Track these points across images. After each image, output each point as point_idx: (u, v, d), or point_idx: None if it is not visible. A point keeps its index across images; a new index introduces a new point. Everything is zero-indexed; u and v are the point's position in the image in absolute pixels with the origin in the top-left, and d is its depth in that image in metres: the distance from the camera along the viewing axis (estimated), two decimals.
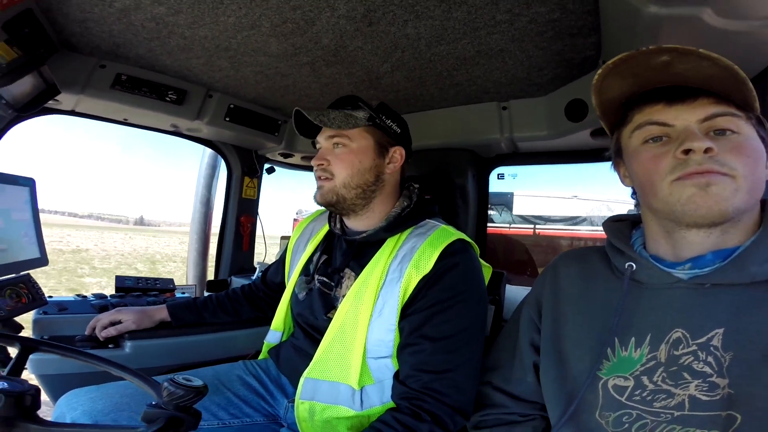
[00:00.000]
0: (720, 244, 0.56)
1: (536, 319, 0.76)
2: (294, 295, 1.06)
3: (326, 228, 1.09)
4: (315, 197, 0.99)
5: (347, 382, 0.86)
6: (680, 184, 0.55)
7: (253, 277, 1.94)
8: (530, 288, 0.84)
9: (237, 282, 1.97)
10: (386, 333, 0.86)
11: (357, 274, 0.93)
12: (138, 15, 1.05)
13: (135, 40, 1.20)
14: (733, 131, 0.55)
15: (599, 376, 0.61)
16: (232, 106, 1.62)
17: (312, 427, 0.88)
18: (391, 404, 0.86)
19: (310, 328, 0.99)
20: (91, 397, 0.89)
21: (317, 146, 1.01)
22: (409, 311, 0.86)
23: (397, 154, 1.00)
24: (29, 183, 1.21)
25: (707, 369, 0.53)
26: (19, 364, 0.70)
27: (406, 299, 0.86)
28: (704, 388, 0.53)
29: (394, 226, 0.95)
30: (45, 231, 1.26)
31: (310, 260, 1.07)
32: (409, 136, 1.05)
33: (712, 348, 0.54)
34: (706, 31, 0.66)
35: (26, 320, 1.09)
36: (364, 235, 0.96)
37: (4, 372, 0.69)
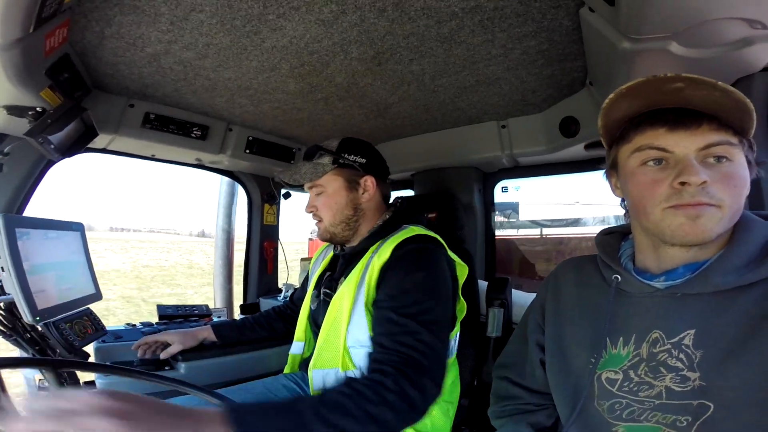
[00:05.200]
0: (693, 258, 0.64)
1: (540, 321, 0.85)
2: (309, 307, 1.21)
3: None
4: (316, 235, 1.15)
5: (336, 367, 0.97)
6: (672, 212, 0.59)
7: (280, 297, 2.06)
8: (534, 292, 0.92)
9: (265, 303, 2.08)
10: (361, 324, 0.96)
11: (346, 279, 1.05)
12: (168, 59, 1.16)
13: (163, 81, 1.31)
14: (727, 159, 0.58)
15: (596, 370, 0.70)
16: (250, 138, 1.74)
17: None
18: None
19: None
20: None
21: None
22: (374, 299, 0.96)
23: (368, 182, 1.11)
24: (80, 228, 1.37)
25: (679, 364, 0.61)
26: None
27: (373, 288, 0.97)
28: (677, 380, 0.61)
29: (375, 235, 1.08)
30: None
31: (321, 277, 1.22)
32: (378, 160, 1.15)
33: (683, 347, 0.61)
34: (675, 59, 0.77)
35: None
36: (351, 247, 1.12)
37: None
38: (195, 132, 1.60)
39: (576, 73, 1.21)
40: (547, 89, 1.33)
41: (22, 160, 1.37)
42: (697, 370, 0.59)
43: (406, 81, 1.27)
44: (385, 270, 0.96)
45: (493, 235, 1.99)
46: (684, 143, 0.59)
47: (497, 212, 2.04)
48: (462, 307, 1.12)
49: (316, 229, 1.15)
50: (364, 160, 1.11)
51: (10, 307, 1.11)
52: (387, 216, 1.14)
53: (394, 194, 1.27)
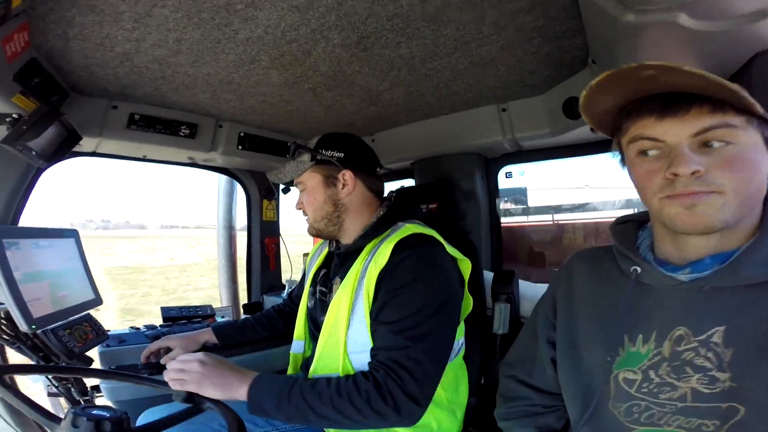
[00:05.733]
0: (719, 248, 0.58)
1: (551, 317, 0.80)
2: (307, 305, 1.19)
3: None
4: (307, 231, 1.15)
5: (337, 372, 0.96)
6: (668, 202, 0.56)
7: (284, 294, 2.05)
8: (542, 284, 0.86)
9: (269, 300, 2.07)
10: (362, 329, 0.95)
11: (342, 281, 1.02)
12: (140, 58, 1.10)
13: (141, 81, 1.25)
14: (728, 142, 0.54)
15: (612, 369, 0.65)
16: (242, 134, 1.68)
17: None
18: None
19: (318, 332, 1.08)
20: (162, 414, 1.01)
21: None
22: (373, 305, 0.95)
23: (347, 176, 1.07)
24: (74, 234, 1.36)
25: (707, 364, 0.56)
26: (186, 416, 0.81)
27: (371, 295, 0.95)
28: (705, 382, 0.56)
29: (369, 233, 1.04)
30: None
31: (316, 274, 1.19)
32: (359, 153, 1.11)
33: (712, 344, 0.56)
34: (684, 33, 0.68)
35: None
36: (346, 246, 1.09)
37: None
38: (183, 130, 1.55)
39: (576, 51, 1.12)
40: (546, 69, 1.24)
41: (9, 168, 1.34)
42: (728, 371, 0.54)
43: (395, 66, 1.19)
44: (382, 277, 0.94)
45: (499, 223, 1.92)
46: (674, 131, 0.56)
47: (503, 199, 1.96)
48: (468, 303, 1.07)
49: None
50: (342, 155, 1.07)
51: (9, 316, 1.11)
52: (381, 212, 1.09)
53: (397, 184, 1.22)
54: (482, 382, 1.28)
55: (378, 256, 0.95)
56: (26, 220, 1.47)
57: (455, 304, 0.98)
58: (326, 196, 1.07)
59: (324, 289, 1.12)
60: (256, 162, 1.84)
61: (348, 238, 1.09)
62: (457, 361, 1.08)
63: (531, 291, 1.46)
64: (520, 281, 1.48)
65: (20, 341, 1.13)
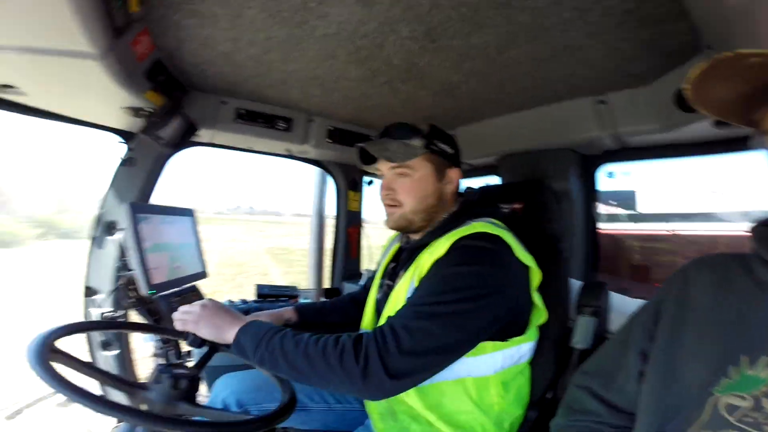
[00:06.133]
0: None
1: (651, 325, 0.70)
2: (375, 296, 1.20)
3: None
4: (386, 223, 1.09)
5: None
6: None
7: (361, 282, 2.13)
8: (639, 300, 0.76)
9: (347, 287, 2.19)
10: None
11: (404, 273, 1.02)
12: (239, 56, 1.22)
13: (242, 78, 1.40)
14: None
15: (711, 392, 0.55)
16: (330, 128, 1.80)
17: (377, 408, 1.01)
18: (424, 387, 0.92)
19: None
20: (238, 380, 1.20)
21: (378, 173, 1.09)
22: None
23: (454, 175, 1.05)
24: (191, 213, 1.59)
25: None
26: (205, 360, 0.93)
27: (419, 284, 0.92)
28: None
29: (438, 229, 1.01)
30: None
31: (387, 267, 1.20)
32: (459, 153, 1.09)
33: None
34: None
35: None
36: (415, 240, 1.06)
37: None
38: (281, 124, 1.72)
39: (684, 36, 0.95)
40: (651, 57, 1.09)
41: (146, 155, 1.64)
42: None
43: (468, 56, 1.15)
44: (434, 265, 0.91)
45: (595, 228, 1.72)
46: None
47: (604, 202, 1.75)
48: (539, 314, 1.00)
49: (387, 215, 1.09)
50: (452, 151, 1.06)
51: (133, 282, 1.36)
52: (453, 209, 1.06)
53: (480, 181, 1.18)
54: (548, 396, 1.18)
55: (436, 248, 0.93)
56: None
57: (497, 303, 0.88)
58: (434, 188, 1.03)
59: (390, 282, 1.13)
60: (343, 155, 1.94)
61: (421, 233, 1.08)
62: (516, 369, 1.01)
63: (623, 306, 1.29)
64: (614, 294, 1.32)
65: (142, 304, 1.36)
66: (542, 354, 1.07)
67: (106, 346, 1.62)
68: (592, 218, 1.70)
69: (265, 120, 1.69)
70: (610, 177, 1.69)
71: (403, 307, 0.89)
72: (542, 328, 1.04)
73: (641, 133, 1.35)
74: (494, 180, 1.95)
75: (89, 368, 0.76)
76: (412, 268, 0.99)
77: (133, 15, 0.88)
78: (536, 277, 0.97)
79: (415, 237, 1.09)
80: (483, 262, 0.88)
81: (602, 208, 1.76)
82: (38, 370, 0.62)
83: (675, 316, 0.65)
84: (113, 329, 1.53)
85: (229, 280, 8.98)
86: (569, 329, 1.23)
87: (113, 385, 0.78)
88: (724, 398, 0.54)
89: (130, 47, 1.00)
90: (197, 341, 0.93)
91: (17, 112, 1.32)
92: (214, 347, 0.95)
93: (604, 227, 1.75)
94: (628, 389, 0.69)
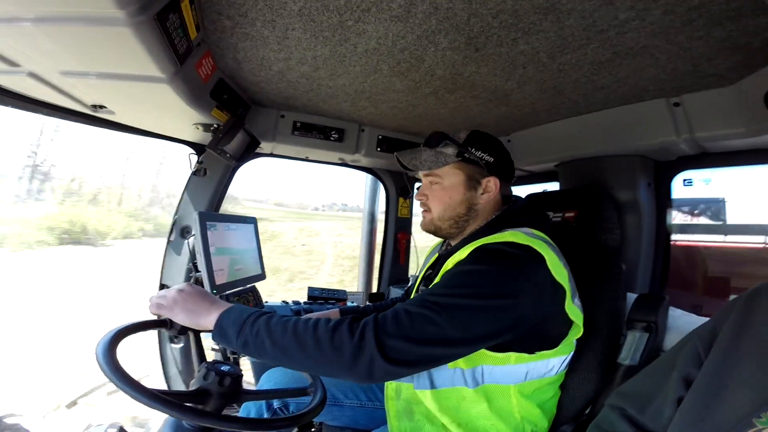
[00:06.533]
0: None
1: (702, 352, 0.65)
2: None
3: None
4: (420, 225, 1.11)
5: None
6: None
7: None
8: (705, 318, 0.70)
9: (393, 291, 2.19)
10: None
11: None
12: (292, 74, 1.29)
13: (296, 93, 1.48)
14: None
15: (755, 423, 0.52)
16: (380, 137, 1.83)
17: (396, 406, 1.00)
18: (444, 390, 0.91)
19: None
20: (281, 374, 1.26)
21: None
22: None
23: (491, 184, 1.01)
24: (253, 221, 1.72)
25: None
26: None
27: None
28: None
29: (475, 236, 0.99)
30: None
31: (425, 273, 1.20)
32: (506, 160, 1.04)
33: None
34: None
35: None
36: (452, 247, 1.05)
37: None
38: (333, 135, 1.78)
39: (766, 33, 0.83)
40: (730, 56, 0.96)
41: (215, 168, 1.79)
42: None
43: (518, 63, 1.09)
44: (453, 266, 0.91)
45: (668, 239, 1.55)
46: None
47: (682, 211, 1.57)
48: (576, 329, 0.94)
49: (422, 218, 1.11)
50: (491, 159, 1.02)
51: (200, 282, 1.49)
52: (493, 216, 1.03)
53: (539, 187, 1.13)
54: (586, 412, 1.09)
55: (461, 253, 0.91)
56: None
57: (506, 307, 0.81)
58: (464, 197, 1.02)
59: (425, 288, 1.12)
60: (393, 162, 1.95)
61: (459, 239, 1.06)
62: (547, 381, 0.95)
63: (684, 323, 1.15)
64: (676, 310, 1.18)
65: None
66: (584, 368, 1.02)
67: (172, 339, 1.80)
68: (664, 229, 1.53)
69: (319, 131, 1.76)
70: (687, 185, 1.52)
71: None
72: (587, 342, 0.99)
73: (723, 138, 1.20)
74: (555, 187, 1.85)
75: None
76: (440, 274, 0.97)
77: (194, 41, 0.96)
78: (563, 296, 0.88)
79: (453, 244, 1.08)
80: (498, 263, 0.84)
81: (679, 218, 1.58)
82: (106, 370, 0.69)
83: (729, 342, 0.61)
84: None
85: (348, 271, 9.39)
86: (620, 346, 1.13)
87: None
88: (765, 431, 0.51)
89: (194, 70, 1.09)
90: (176, 328, 0.87)
91: (110, 128, 1.52)
92: (196, 334, 0.93)
93: (681, 239, 1.56)
94: (665, 414, 0.66)
